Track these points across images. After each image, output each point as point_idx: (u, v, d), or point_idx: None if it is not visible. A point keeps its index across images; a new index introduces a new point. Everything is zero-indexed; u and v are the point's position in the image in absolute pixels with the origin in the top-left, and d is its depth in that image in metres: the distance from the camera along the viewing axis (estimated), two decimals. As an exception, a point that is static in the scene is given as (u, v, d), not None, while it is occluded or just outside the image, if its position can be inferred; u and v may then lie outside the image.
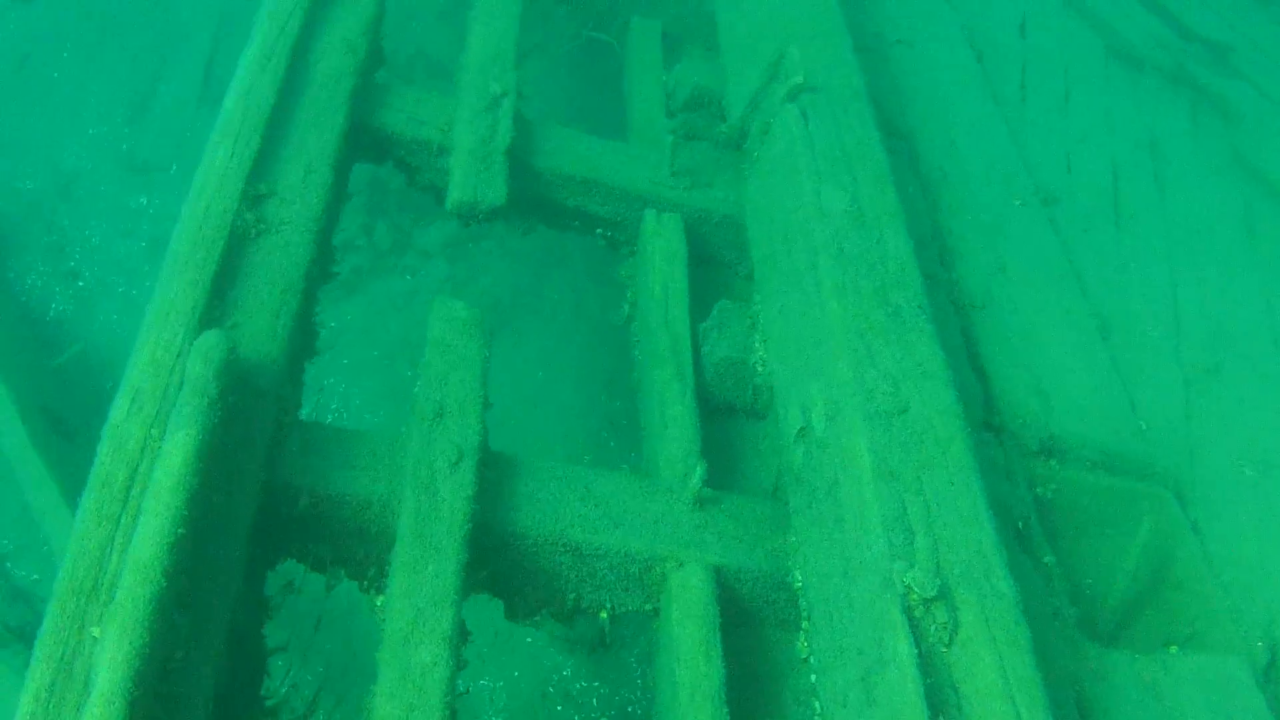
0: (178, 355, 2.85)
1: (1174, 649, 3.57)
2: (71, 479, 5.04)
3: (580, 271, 6.40)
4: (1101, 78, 5.83)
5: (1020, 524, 3.59)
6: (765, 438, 3.73)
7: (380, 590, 2.94)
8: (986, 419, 3.93)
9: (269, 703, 2.92)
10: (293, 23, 3.89)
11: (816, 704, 2.94)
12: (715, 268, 4.29)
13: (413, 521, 2.85)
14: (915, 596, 2.72)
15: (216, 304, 3.10)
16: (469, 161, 3.87)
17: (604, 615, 3.23)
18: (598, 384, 6.05)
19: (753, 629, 3.21)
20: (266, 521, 2.91)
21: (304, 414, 3.29)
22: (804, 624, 3.08)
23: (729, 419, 3.81)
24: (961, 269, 4.43)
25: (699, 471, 3.19)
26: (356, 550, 3.07)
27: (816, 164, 3.84)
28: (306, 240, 3.43)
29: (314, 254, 3.42)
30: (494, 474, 3.12)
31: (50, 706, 2.28)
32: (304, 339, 3.41)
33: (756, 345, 3.77)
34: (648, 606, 3.20)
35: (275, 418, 3.02)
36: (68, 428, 5.37)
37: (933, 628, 2.70)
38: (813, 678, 3.00)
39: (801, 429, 3.32)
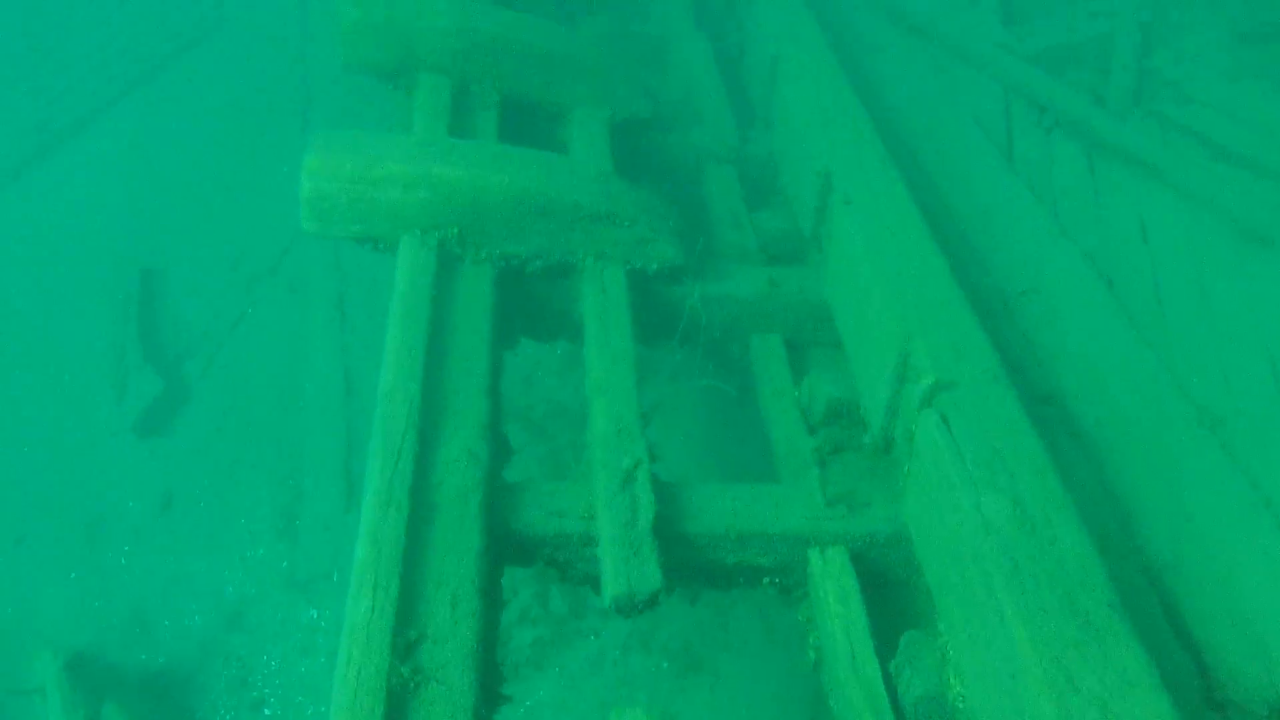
0: None
1: None
2: None
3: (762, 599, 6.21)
4: (1235, 264, 5.56)
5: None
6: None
7: None
8: (1207, 695, 3.55)
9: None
10: (407, 450, 3.82)
11: None
12: (893, 588, 4.04)
13: None
14: None
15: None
16: (616, 550, 3.70)
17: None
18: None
19: None
20: None
21: None
22: None
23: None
24: (1143, 528, 4.12)
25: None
26: None
27: (969, 471, 3.58)
28: (469, 680, 3.26)
29: (477, 695, 3.24)
30: None
31: None
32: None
33: (951, 679, 3.47)
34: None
35: None
36: None
37: None
38: None
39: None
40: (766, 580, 4.05)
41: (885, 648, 3.64)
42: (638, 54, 6.68)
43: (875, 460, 4.23)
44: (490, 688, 3.49)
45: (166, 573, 6.85)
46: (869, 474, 4.17)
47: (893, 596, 4.01)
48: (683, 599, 4.04)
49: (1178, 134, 6.20)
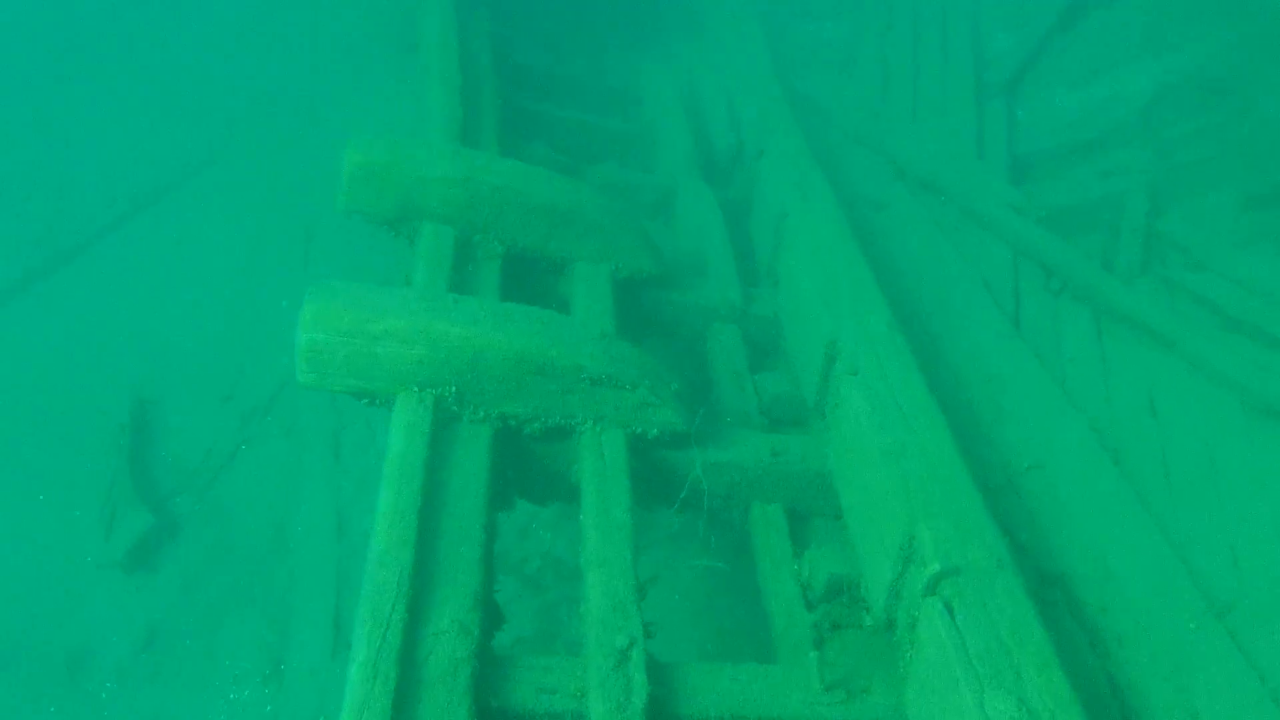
0: None
1: None
2: None
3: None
4: (1246, 439, 5.48)
5: None
6: None
7: None
8: None
9: None
10: (396, 621, 3.69)
11: None
12: (895, 781, 3.89)
13: None
14: None
15: None
16: (608, 734, 3.57)
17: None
18: None
19: None
20: None
21: None
22: None
23: None
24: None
25: None
26: None
27: (973, 667, 3.45)
28: None
29: None
30: None
31: None
32: None
33: None
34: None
35: None
36: None
37: None
38: None
39: None
40: (763, 765, 3.89)
41: None
42: (645, 203, 6.68)
43: (876, 639, 4.11)
44: None
45: (148, 710, 6.66)
46: (869, 655, 4.05)
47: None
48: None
49: (1188, 301, 6.17)
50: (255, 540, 7.26)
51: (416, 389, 4.41)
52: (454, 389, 4.42)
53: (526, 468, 4.66)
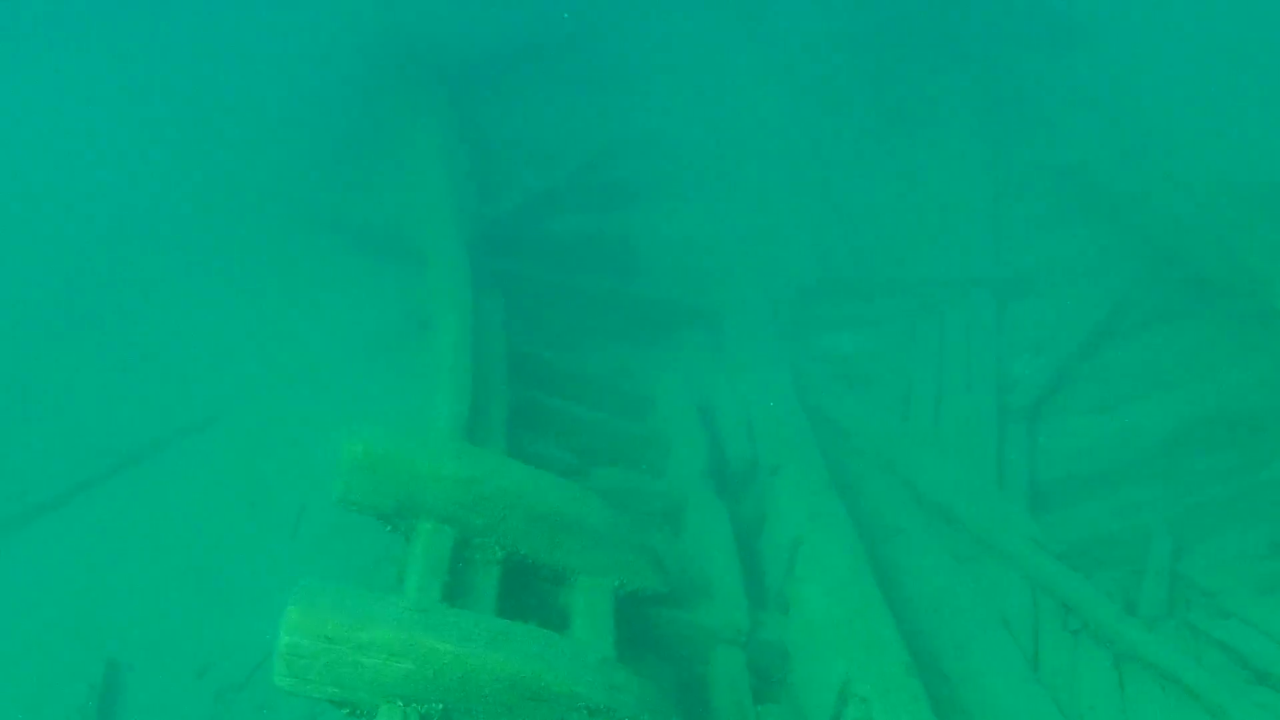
0: None
1: None
2: None
3: None
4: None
5: None
6: None
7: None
8: None
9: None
10: None
11: None
12: None
13: None
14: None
15: None
16: None
17: None
18: None
19: None
20: None
21: None
22: None
23: None
24: None
25: None
26: None
27: None
28: None
29: None
30: None
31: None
32: None
33: None
34: None
35: None
36: None
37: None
38: None
39: None
40: None
41: None
42: (653, 510, 6.47)
43: None
44: None
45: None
46: None
47: None
48: None
49: (1213, 649, 5.90)
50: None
51: (401, 704, 4.12)
52: (441, 706, 4.15)
53: (512, 798, 4.31)
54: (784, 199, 10.35)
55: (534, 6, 12.20)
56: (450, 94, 9.47)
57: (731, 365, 8.04)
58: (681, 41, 12.43)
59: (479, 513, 5.06)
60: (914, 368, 8.40)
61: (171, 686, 7.61)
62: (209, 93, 12.13)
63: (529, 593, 5.19)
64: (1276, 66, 10.33)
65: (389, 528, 5.21)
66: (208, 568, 8.45)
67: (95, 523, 8.96)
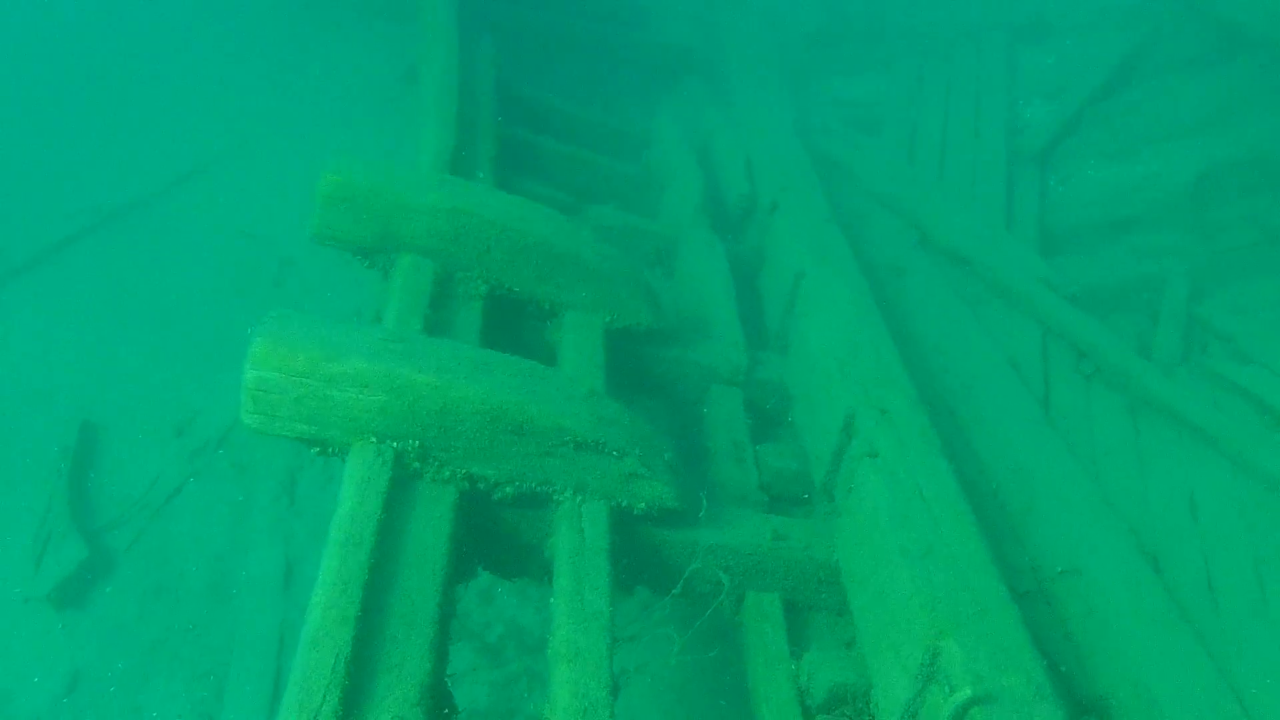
0: None
1: None
2: None
3: None
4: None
5: None
6: None
7: None
8: None
9: None
10: (326, 713, 3.13)
11: None
12: None
13: None
14: None
15: None
16: None
17: None
18: None
19: None
20: None
21: None
22: None
23: None
24: None
25: None
26: None
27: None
28: None
29: None
30: None
31: None
32: None
33: None
34: None
35: None
36: None
37: None
38: None
39: None
40: None
41: None
42: (645, 250, 6.15)
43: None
44: None
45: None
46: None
47: None
48: None
49: (1232, 395, 5.67)
50: (195, 585, 6.70)
51: (375, 440, 3.86)
52: (417, 443, 3.88)
53: (494, 537, 4.10)
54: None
55: None
56: None
57: (732, 105, 7.65)
58: None
59: (462, 245, 4.74)
60: (920, 112, 8.04)
61: (149, 446, 7.43)
62: None
63: (515, 332, 4.92)
64: None
65: (368, 264, 4.90)
66: (190, 324, 8.22)
67: (74, 281, 8.69)
